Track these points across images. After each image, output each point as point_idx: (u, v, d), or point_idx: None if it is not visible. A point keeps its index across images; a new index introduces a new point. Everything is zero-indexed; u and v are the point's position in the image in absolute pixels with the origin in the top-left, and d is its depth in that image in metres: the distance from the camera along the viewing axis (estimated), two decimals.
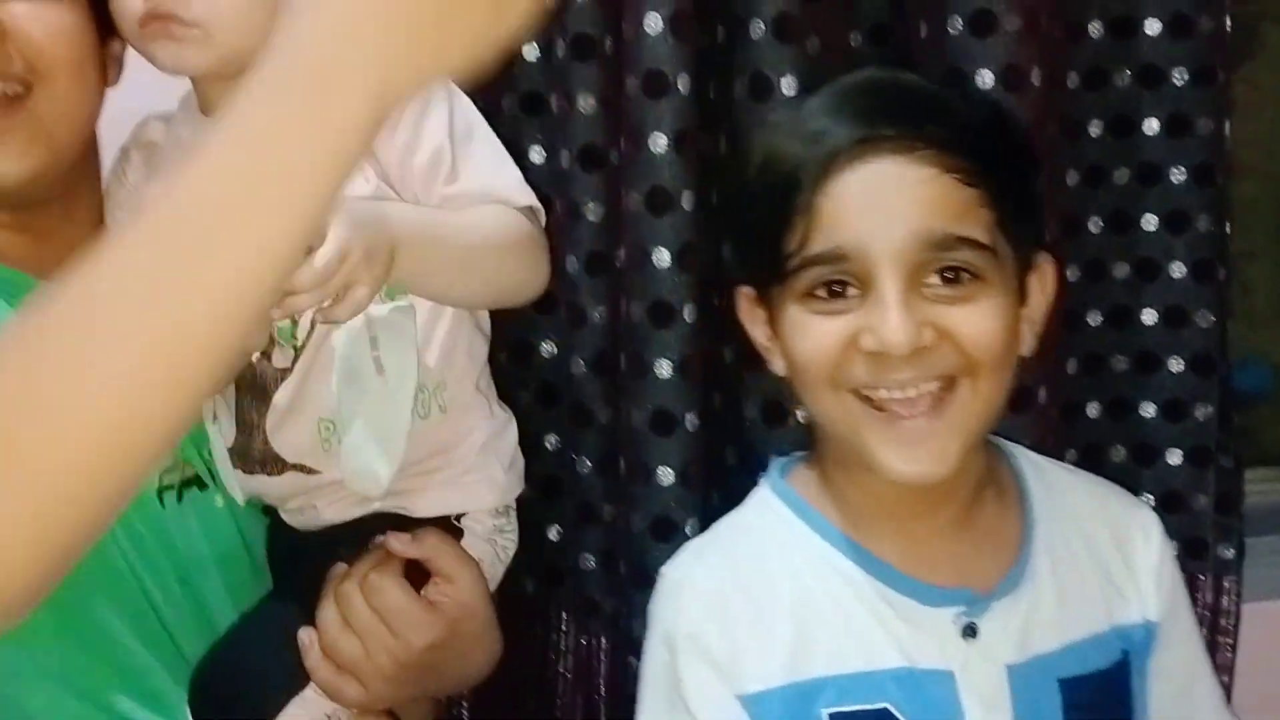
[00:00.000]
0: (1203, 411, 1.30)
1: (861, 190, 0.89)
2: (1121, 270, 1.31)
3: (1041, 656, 0.96)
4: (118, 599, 0.98)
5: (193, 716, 1.02)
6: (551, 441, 1.29)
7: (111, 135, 1.08)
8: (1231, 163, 1.31)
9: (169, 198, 0.59)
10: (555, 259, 1.12)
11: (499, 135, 1.07)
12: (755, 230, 0.95)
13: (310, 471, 1.02)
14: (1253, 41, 1.56)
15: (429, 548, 1.04)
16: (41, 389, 0.58)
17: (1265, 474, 1.60)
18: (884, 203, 0.89)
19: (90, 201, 1.07)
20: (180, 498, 1.04)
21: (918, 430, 0.90)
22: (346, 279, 0.88)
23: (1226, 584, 1.33)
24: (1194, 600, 1.20)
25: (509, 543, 1.09)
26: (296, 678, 1.03)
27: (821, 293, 0.91)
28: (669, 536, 1.20)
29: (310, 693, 1.03)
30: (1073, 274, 1.29)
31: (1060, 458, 1.23)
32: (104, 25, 1.01)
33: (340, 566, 1.04)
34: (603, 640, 1.28)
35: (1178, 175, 1.29)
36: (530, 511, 1.15)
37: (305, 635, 1.03)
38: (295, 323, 0.96)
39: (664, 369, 1.20)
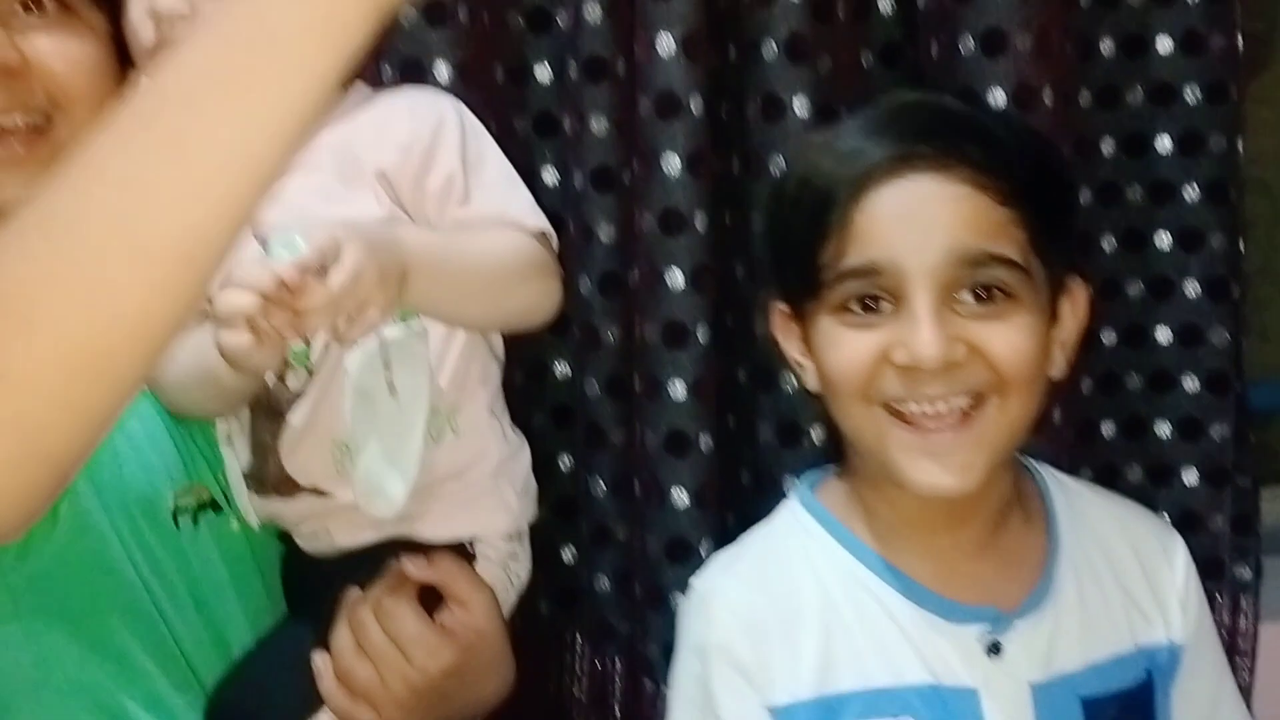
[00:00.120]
0: (1218, 430, 1.30)
1: (897, 206, 0.91)
2: (1135, 288, 1.31)
3: (1065, 675, 0.96)
4: (133, 620, 0.99)
5: None
6: (566, 462, 1.29)
7: None
8: (1244, 179, 1.30)
9: (159, 86, 0.59)
10: (569, 280, 1.13)
11: (511, 156, 1.07)
12: (791, 244, 0.96)
13: (324, 494, 1.02)
14: (1264, 57, 1.56)
15: (443, 572, 1.04)
16: (25, 290, 0.57)
17: None
18: (919, 219, 0.91)
19: None
20: (196, 521, 1.04)
21: (944, 443, 0.91)
22: (360, 300, 0.88)
23: (1244, 604, 1.33)
24: None
25: (522, 569, 1.09)
26: (311, 703, 1.03)
27: (855, 306, 0.92)
28: (684, 558, 1.20)
29: (325, 718, 1.03)
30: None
31: (1075, 477, 1.22)
32: (124, 54, 1.02)
33: (354, 591, 1.04)
34: (618, 663, 1.28)
35: (1191, 193, 1.29)
36: (544, 533, 1.15)
37: (320, 660, 1.03)
38: (309, 345, 0.96)
39: (678, 390, 1.20)
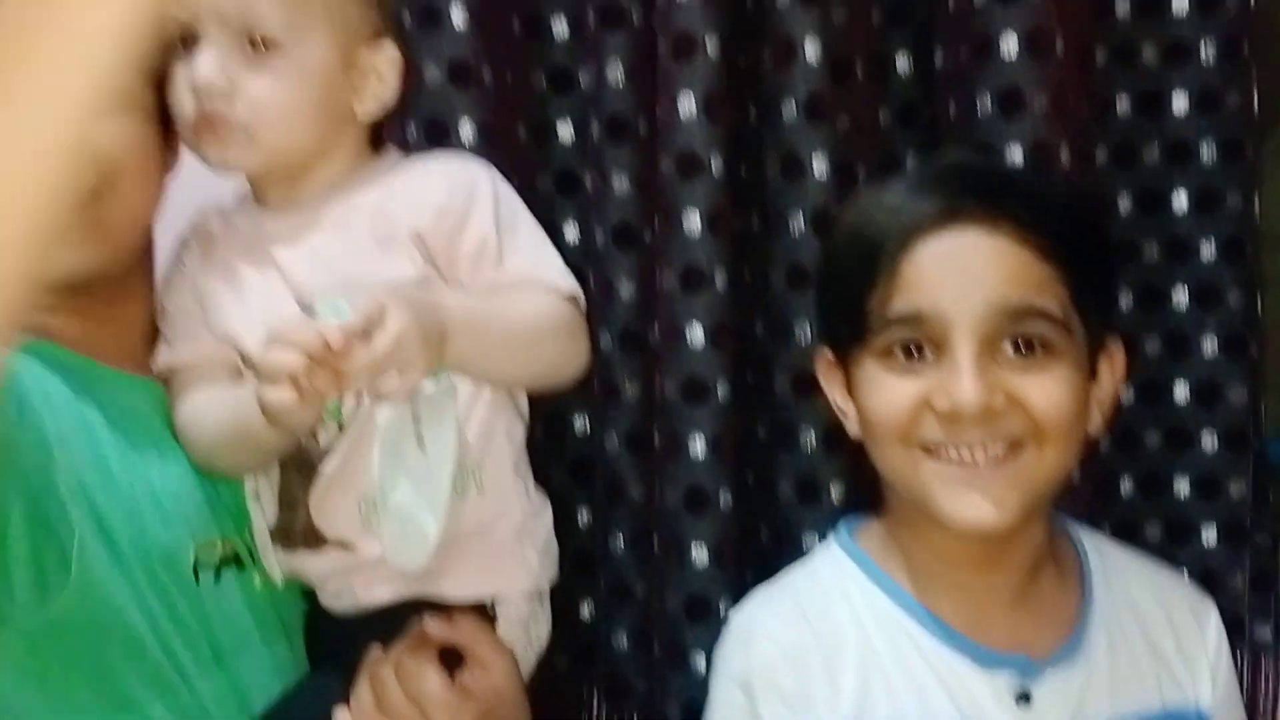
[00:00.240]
0: (1237, 488, 1.30)
1: (943, 257, 0.95)
2: (1153, 345, 1.32)
3: None
4: (148, 672, 1.00)
5: None
6: (584, 518, 1.29)
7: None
8: (1261, 236, 1.31)
9: None
10: (589, 335, 1.14)
11: (534, 213, 1.10)
12: (840, 291, 1.00)
13: (350, 548, 1.04)
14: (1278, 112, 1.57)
15: (465, 633, 1.05)
16: None
17: None
18: (964, 270, 0.94)
19: (142, 287, 1.11)
20: (218, 576, 1.05)
21: (980, 478, 0.95)
22: (402, 361, 0.91)
23: (1264, 664, 1.32)
24: None
25: (542, 630, 1.11)
26: None
27: (899, 353, 0.96)
28: (702, 616, 1.21)
29: None
30: None
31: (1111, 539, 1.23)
32: (168, 122, 1.05)
33: (376, 649, 1.05)
34: None
35: (1207, 250, 1.30)
36: (562, 588, 1.16)
37: (340, 716, 1.03)
38: (342, 400, 0.97)
39: (698, 447, 1.21)
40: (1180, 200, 1.30)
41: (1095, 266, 0.99)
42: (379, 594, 1.05)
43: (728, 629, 1.02)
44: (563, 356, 1.07)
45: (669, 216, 1.20)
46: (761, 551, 1.25)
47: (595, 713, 1.30)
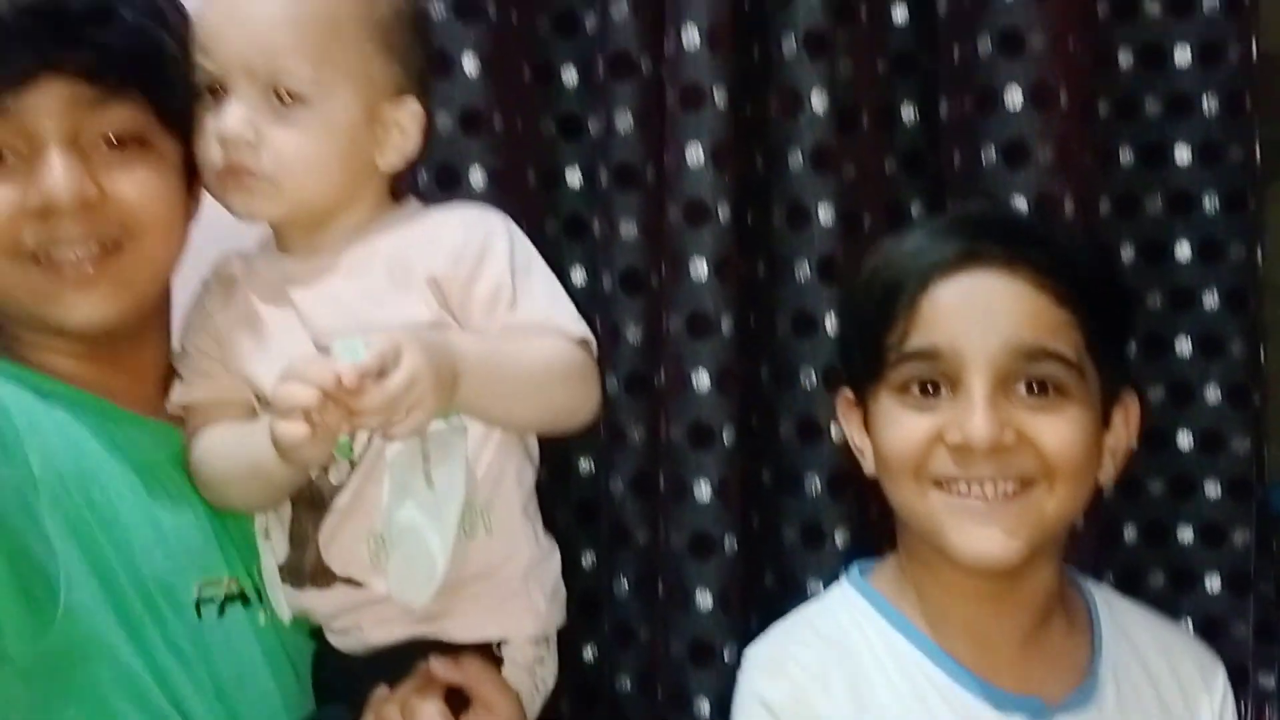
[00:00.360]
0: (1240, 537, 1.31)
1: (961, 297, 0.98)
2: (1156, 394, 1.33)
3: None
4: (142, 706, 1.00)
5: None
6: (589, 560, 1.30)
7: None
8: (1264, 286, 1.33)
9: None
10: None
11: (542, 257, 1.11)
12: (861, 329, 1.03)
13: (358, 585, 1.05)
14: None
15: (471, 674, 1.06)
16: None
17: None
18: (981, 310, 0.98)
19: (159, 333, 1.13)
20: (221, 612, 1.06)
21: (990, 513, 0.97)
22: (414, 401, 0.93)
23: (1268, 713, 1.32)
24: None
25: (548, 674, 1.12)
26: None
27: (914, 389, 0.99)
28: (707, 661, 1.22)
29: None
30: None
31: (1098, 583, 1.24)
32: (191, 171, 1.08)
33: (382, 690, 1.06)
34: None
35: (1210, 300, 1.32)
36: (566, 631, 1.17)
37: None
38: (353, 438, 1.00)
39: (703, 491, 1.23)
40: (1183, 250, 1.32)
41: (1110, 316, 1.02)
42: (386, 633, 1.07)
43: (749, 661, 1.04)
44: (574, 401, 1.08)
45: (676, 263, 1.23)
46: (766, 596, 1.26)
47: None
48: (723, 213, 1.22)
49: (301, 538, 1.06)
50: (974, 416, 0.96)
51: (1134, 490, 1.34)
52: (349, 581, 1.05)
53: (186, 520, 1.06)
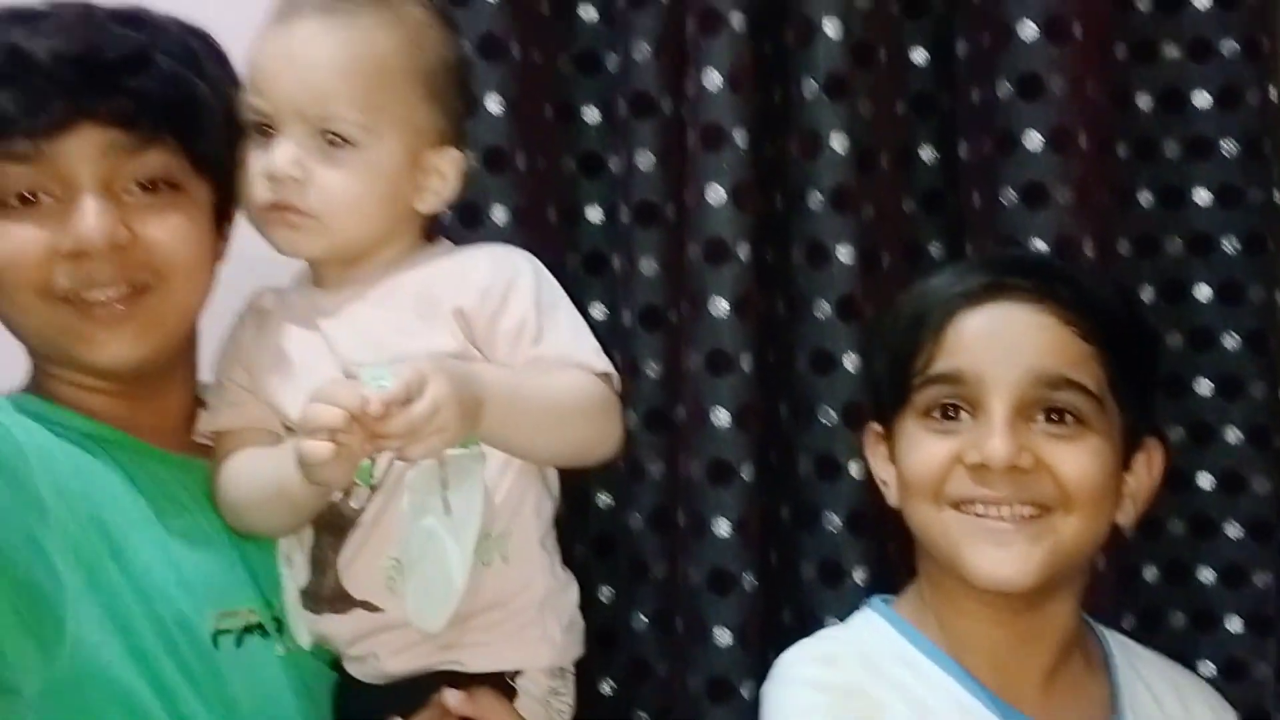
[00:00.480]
0: (1262, 579, 1.32)
1: (986, 324, 1.02)
2: (1177, 435, 1.33)
3: None
4: None
5: None
6: (607, 594, 1.31)
7: None
8: None
9: None
10: None
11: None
12: (888, 356, 1.06)
13: (375, 609, 1.07)
14: None
15: (483, 707, 1.07)
16: None
17: None
18: (1004, 338, 1.01)
19: (185, 371, 1.15)
20: (239, 643, 1.07)
21: (1006, 536, 0.99)
22: (436, 428, 0.96)
23: None
24: None
25: (564, 706, 1.13)
26: None
27: (937, 413, 1.02)
28: (724, 697, 1.23)
29: None
30: None
31: (1118, 624, 1.25)
32: (221, 212, 1.11)
33: None
34: None
35: (1230, 341, 1.33)
36: (583, 664, 1.18)
37: None
38: (374, 463, 1.02)
39: (722, 528, 1.23)
40: (1203, 292, 1.33)
41: (1134, 357, 1.04)
42: (402, 662, 1.08)
43: (790, 662, 1.05)
44: (596, 434, 1.10)
45: (696, 300, 1.24)
46: (784, 633, 1.26)
47: None
48: (742, 251, 1.24)
49: (322, 562, 1.08)
50: (993, 438, 0.99)
51: (1155, 531, 1.34)
52: (367, 606, 1.07)
53: (205, 553, 1.08)
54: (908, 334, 1.04)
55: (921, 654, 1.04)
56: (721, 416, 1.24)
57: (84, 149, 1.03)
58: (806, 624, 1.27)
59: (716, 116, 1.23)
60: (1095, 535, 1.02)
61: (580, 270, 1.32)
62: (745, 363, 1.24)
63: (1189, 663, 1.28)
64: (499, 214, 1.26)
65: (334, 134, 1.05)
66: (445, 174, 1.10)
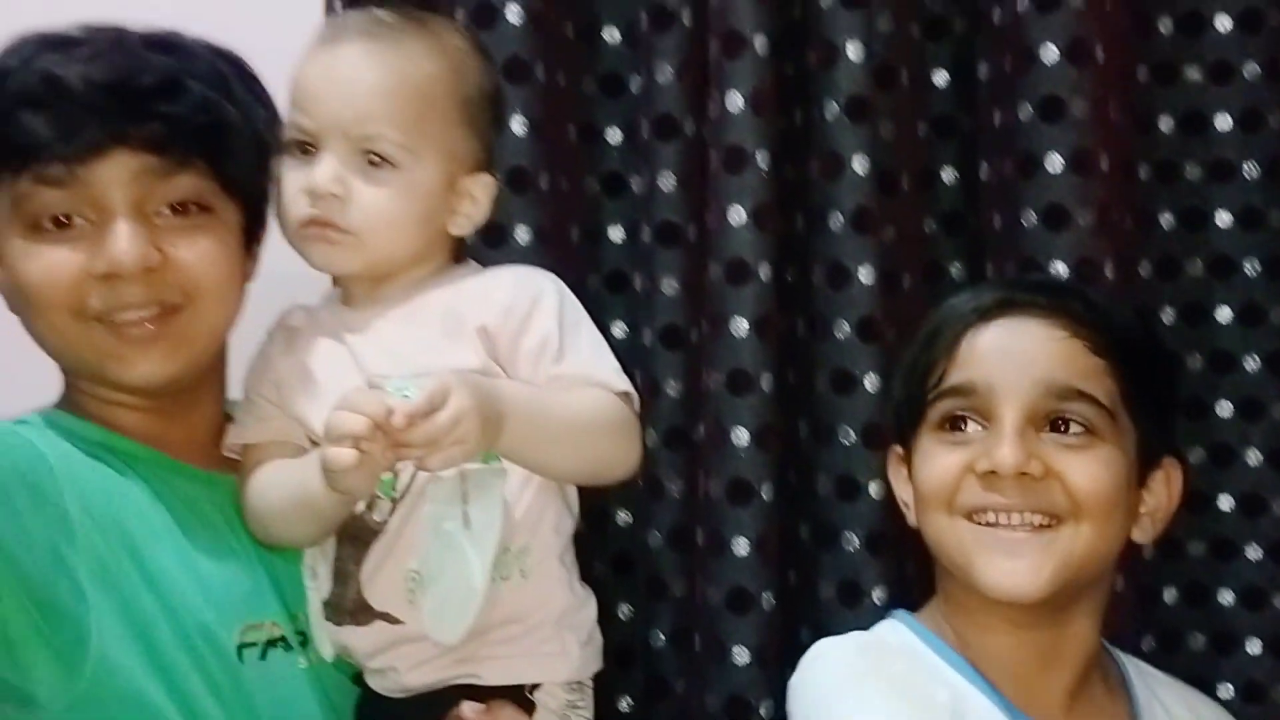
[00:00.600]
0: None
1: (998, 338, 1.04)
2: (1197, 455, 1.34)
3: None
4: None
5: None
6: (625, 612, 1.32)
7: None
8: None
9: None
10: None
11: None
12: (907, 375, 1.09)
13: (395, 621, 1.09)
14: None
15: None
16: None
17: None
18: (1015, 350, 1.04)
19: (214, 389, 1.18)
20: (263, 656, 1.09)
21: (1017, 544, 1.01)
22: (457, 439, 0.99)
23: None
24: None
25: None
26: None
27: (950, 425, 1.04)
28: (743, 717, 1.24)
29: None
30: None
31: (1137, 645, 1.26)
32: (249, 233, 1.14)
33: None
34: None
35: (1251, 363, 1.34)
36: (601, 681, 1.19)
37: None
38: (395, 475, 1.05)
39: (741, 547, 1.25)
40: (1224, 313, 1.33)
41: (1148, 373, 1.05)
42: (422, 675, 1.10)
43: (832, 654, 1.06)
44: (615, 453, 1.12)
45: (717, 320, 1.26)
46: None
47: None
48: (763, 271, 1.25)
49: (344, 574, 1.10)
50: (1002, 445, 1.00)
51: (1175, 552, 1.35)
52: (387, 618, 1.09)
53: (231, 567, 1.10)
54: (923, 352, 1.07)
55: (947, 664, 1.05)
56: (741, 436, 1.26)
57: (117, 173, 1.05)
58: None
59: (738, 138, 1.25)
60: (1107, 547, 1.03)
61: (602, 289, 1.34)
62: (765, 382, 1.26)
63: (1208, 685, 1.29)
64: (522, 234, 1.28)
65: (375, 154, 1.08)
66: (477, 198, 1.13)
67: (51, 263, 1.06)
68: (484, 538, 1.04)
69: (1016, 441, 1.00)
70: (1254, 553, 1.34)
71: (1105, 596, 1.08)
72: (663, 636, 1.31)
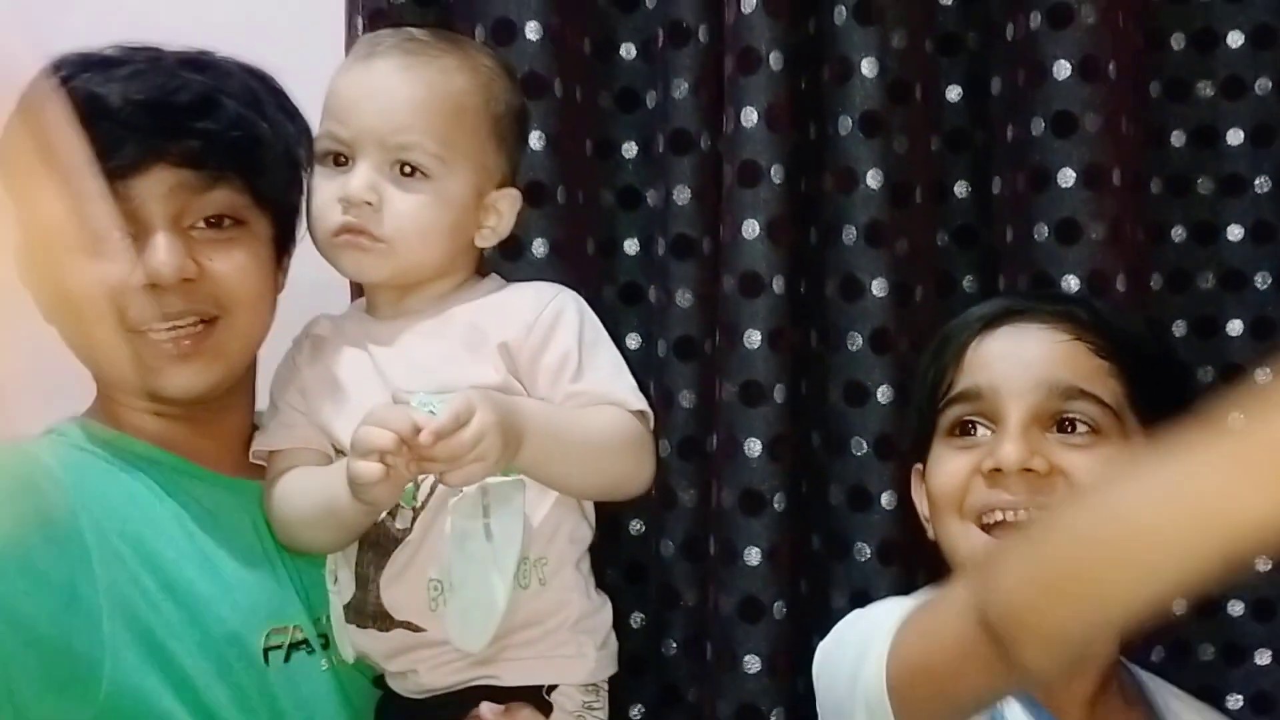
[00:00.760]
0: None
1: (1004, 344, 1.08)
2: None
3: None
4: None
5: None
6: (638, 621, 1.34)
7: None
8: None
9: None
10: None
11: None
12: (921, 389, 1.12)
13: (416, 629, 1.12)
14: None
15: None
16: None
17: None
18: (1021, 354, 1.07)
19: (244, 399, 1.22)
20: (287, 658, 1.12)
21: None
22: (479, 455, 1.02)
23: None
24: None
25: None
26: None
27: (959, 432, 1.08)
28: None
29: None
30: None
31: (1147, 656, 1.27)
32: (280, 246, 1.18)
33: None
34: None
35: (1263, 377, 1.33)
36: (614, 689, 1.22)
37: None
38: (417, 487, 1.08)
39: (753, 556, 1.27)
40: (1235, 326, 1.35)
41: (1154, 377, 1.08)
42: (441, 677, 1.14)
43: (843, 622, 1.08)
44: (629, 471, 1.16)
45: (730, 332, 1.29)
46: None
47: None
48: (777, 284, 1.28)
49: (365, 579, 1.14)
50: (1006, 441, 1.04)
51: None
52: (408, 626, 1.12)
53: (257, 572, 1.14)
54: (933, 364, 1.11)
55: None
56: (754, 446, 1.28)
57: (155, 188, 1.09)
58: None
59: (753, 153, 1.28)
60: None
61: (617, 301, 1.38)
62: (778, 393, 1.28)
63: (1217, 695, 1.31)
64: (539, 246, 1.31)
65: (409, 164, 1.12)
66: (503, 212, 1.18)
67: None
68: (505, 551, 1.08)
69: (1020, 439, 1.03)
70: (1263, 564, 1.35)
71: None
72: (675, 645, 1.34)
